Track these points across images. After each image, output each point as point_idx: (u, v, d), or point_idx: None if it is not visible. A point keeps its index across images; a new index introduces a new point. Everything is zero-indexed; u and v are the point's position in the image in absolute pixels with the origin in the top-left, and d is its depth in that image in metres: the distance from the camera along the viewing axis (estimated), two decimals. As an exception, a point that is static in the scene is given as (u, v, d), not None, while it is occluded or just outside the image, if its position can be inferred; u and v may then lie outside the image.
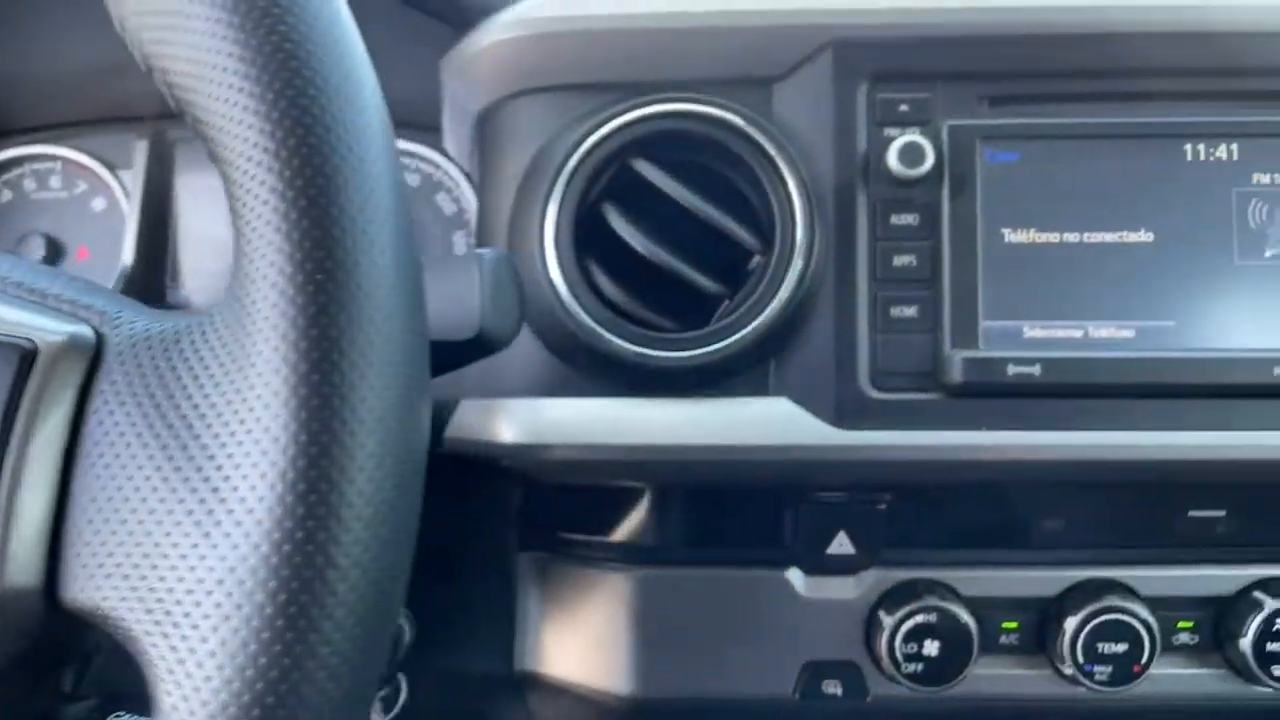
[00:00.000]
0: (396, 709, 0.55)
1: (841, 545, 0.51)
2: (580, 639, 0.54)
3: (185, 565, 0.26)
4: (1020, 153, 0.47)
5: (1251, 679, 0.50)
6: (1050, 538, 0.52)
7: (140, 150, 0.67)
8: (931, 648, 0.49)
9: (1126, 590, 0.51)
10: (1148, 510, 0.52)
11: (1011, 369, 0.45)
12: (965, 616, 0.49)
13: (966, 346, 0.46)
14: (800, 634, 0.52)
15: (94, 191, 0.68)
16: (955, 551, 0.52)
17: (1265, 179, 0.47)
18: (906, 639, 0.49)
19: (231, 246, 0.28)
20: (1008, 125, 0.47)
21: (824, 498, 0.51)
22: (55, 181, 0.68)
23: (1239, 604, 0.51)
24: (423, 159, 0.66)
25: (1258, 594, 0.51)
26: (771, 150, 0.47)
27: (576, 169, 0.47)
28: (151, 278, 0.67)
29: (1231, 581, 0.51)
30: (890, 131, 0.47)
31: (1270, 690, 0.50)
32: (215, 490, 0.26)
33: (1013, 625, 0.52)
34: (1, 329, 0.29)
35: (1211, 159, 0.47)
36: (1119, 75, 0.48)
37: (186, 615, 0.26)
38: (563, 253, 0.47)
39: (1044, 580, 0.51)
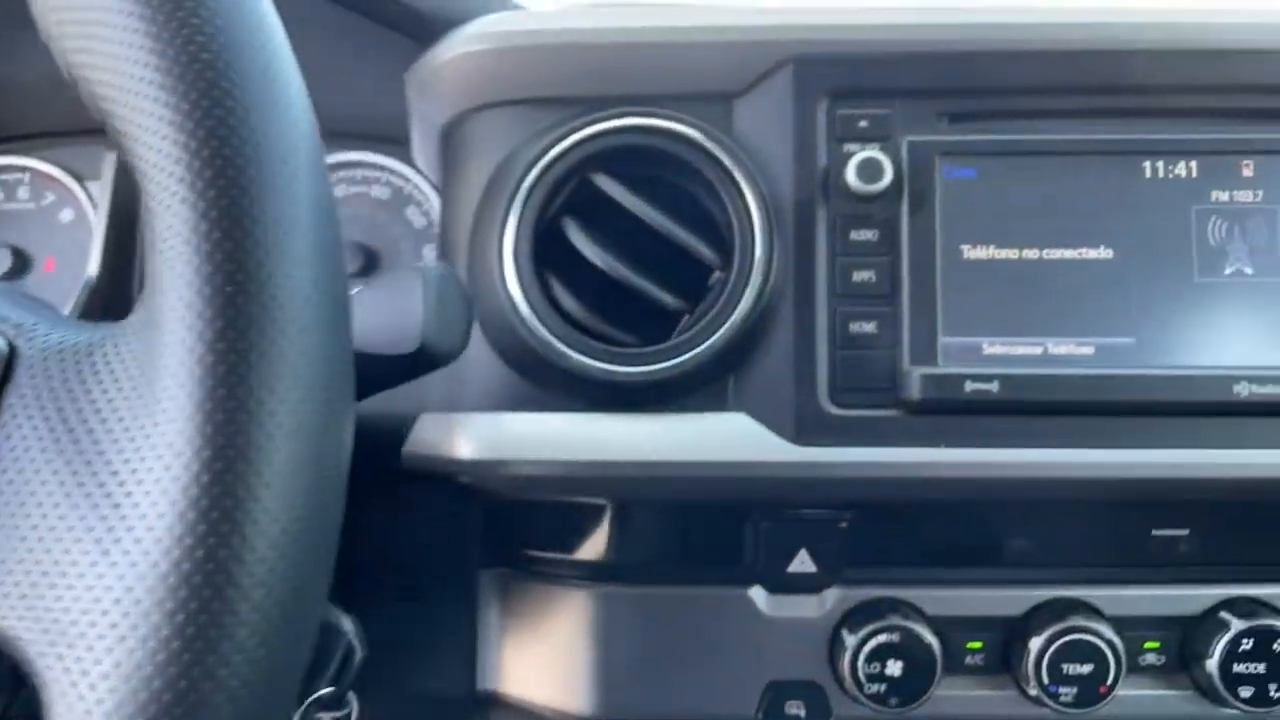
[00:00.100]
0: (349, 732, 0.54)
1: (803, 563, 0.51)
2: (542, 658, 0.54)
3: (83, 584, 0.25)
4: (979, 169, 0.47)
5: (1218, 700, 0.50)
6: (1015, 556, 0.51)
7: (109, 162, 0.67)
8: (895, 668, 0.49)
9: (1091, 610, 0.50)
10: (1112, 529, 0.51)
11: (969, 385, 0.45)
12: (929, 636, 0.49)
13: (925, 363, 0.46)
14: (763, 653, 0.51)
15: (62, 203, 0.68)
16: (919, 570, 0.51)
17: (1224, 196, 0.47)
18: (870, 659, 0.49)
19: None
20: (967, 141, 0.47)
21: (785, 515, 0.51)
22: (23, 192, 0.68)
23: (1205, 624, 0.50)
24: (393, 172, 0.66)
25: (1224, 614, 0.50)
26: (731, 165, 0.47)
27: (536, 183, 0.47)
28: (119, 289, 0.66)
29: (1197, 601, 0.51)
30: (850, 147, 0.47)
31: (1237, 712, 0.50)
32: (117, 507, 0.26)
33: (977, 645, 0.51)
34: None
35: (1170, 176, 0.47)
36: (1078, 92, 0.48)
37: (82, 636, 0.25)
38: (522, 267, 0.47)
39: (1008, 599, 0.51)
